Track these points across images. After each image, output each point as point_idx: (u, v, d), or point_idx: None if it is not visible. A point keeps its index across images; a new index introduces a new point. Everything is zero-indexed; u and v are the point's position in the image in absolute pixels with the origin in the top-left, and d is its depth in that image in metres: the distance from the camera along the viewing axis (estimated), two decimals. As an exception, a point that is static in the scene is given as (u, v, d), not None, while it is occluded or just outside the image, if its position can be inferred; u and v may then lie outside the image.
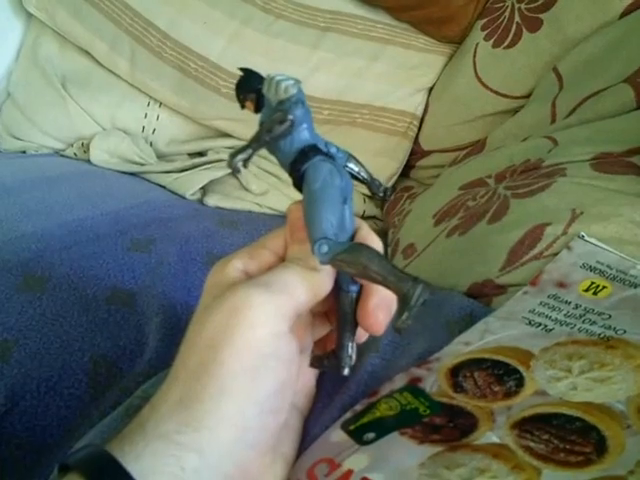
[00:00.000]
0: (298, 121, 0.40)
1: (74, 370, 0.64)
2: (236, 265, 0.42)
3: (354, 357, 0.44)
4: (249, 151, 0.39)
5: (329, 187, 0.40)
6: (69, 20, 1.23)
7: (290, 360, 0.38)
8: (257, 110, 0.43)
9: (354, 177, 0.44)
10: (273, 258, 0.43)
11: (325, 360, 0.44)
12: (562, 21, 0.98)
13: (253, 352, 0.36)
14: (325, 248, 0.38)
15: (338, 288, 0.43)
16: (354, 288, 0.43)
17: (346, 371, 0.43)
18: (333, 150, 0.42)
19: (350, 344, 0.43)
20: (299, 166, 0.41)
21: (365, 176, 0.45)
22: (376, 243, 0.41)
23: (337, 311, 0.43)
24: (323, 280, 0.41)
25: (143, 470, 0.32)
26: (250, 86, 0.43)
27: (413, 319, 0.35)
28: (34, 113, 1.27)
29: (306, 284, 0.39)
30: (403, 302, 0.35)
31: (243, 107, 0.44)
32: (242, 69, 0.44)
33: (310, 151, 0.41)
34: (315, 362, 0.44)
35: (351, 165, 0.44)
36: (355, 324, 0.43)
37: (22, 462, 0.58)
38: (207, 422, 0.34)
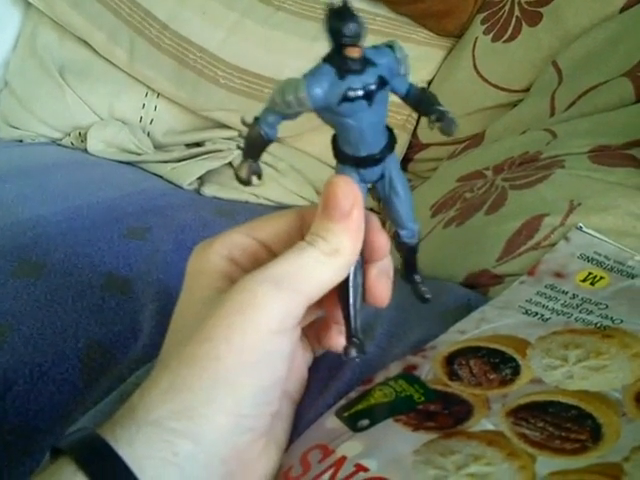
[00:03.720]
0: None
1: (68, 356, 0.63)
2: (219, 251, 0.40)
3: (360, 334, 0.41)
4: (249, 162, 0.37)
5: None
6: (68, 10, 1.23)
7: (290, 354, 0.37)
8: None
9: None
10: (260, 248, 0.41)
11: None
12: (562, 15, 0.98)
13: (253, 350, 0.35)
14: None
15: None
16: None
17: (354, 352, 0.40)
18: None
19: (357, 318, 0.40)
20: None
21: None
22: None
23: (344, 286, 0.40)
24: (343, 266, 0.38)
25: (135, 455, 0.32)
26: None
27: None
28: (31, 102, 1.26)
29: (323, 273, 0.37)
30: None
31: None
32: None
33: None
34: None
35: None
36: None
37: (14, 446, 0.57)
38: (202, 410, 0.34)
